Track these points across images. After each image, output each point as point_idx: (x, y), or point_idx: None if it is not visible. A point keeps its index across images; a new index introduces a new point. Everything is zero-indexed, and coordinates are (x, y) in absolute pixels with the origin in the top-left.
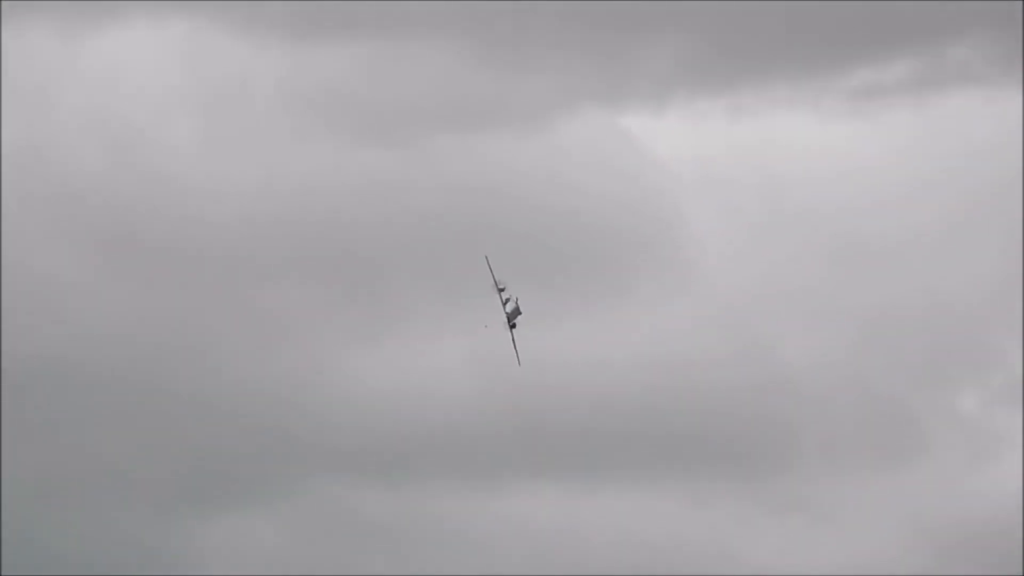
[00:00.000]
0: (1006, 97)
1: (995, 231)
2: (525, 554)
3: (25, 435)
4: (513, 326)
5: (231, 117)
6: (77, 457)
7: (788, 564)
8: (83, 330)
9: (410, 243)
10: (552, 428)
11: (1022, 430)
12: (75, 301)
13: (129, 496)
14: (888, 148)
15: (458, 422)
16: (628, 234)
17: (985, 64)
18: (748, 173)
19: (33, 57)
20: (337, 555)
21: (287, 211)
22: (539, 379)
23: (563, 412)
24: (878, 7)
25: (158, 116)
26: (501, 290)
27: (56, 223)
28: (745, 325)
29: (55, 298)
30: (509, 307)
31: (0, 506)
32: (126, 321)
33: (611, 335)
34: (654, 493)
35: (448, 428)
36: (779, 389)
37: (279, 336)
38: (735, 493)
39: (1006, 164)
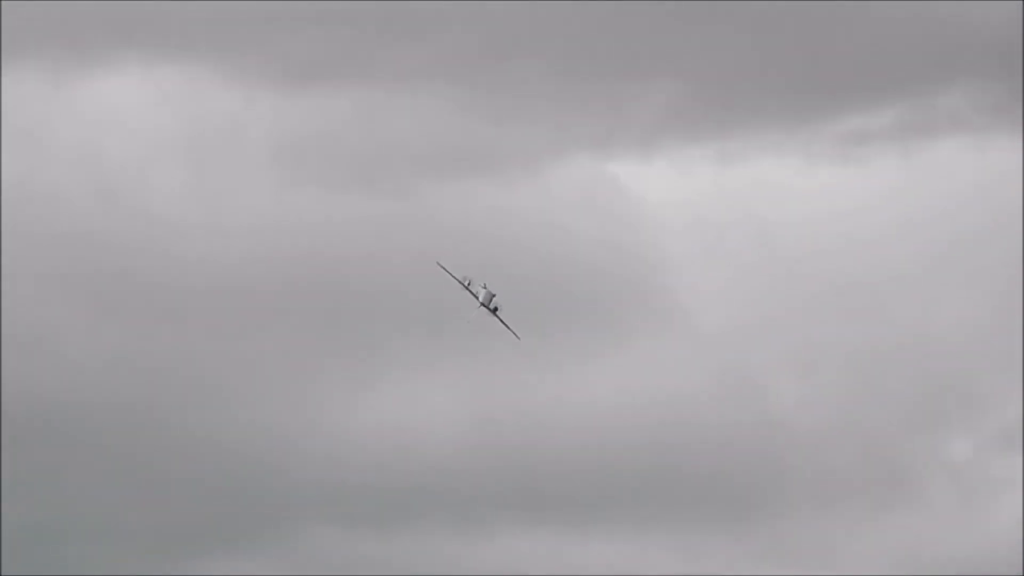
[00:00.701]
0: (996, 144)
1: (985, 273)
2: None
3: (17, 480)
4: (495, 309)
5: (221, 163)
6: (68, 503)
7: None
8: (72, 374)
9: (400, 289)
10: (544, 472)
11: (1023, 472)
12: (65, 345)
13: (120, 542)
14: (877, 191)
15: (450, 468)
16: (617, 278)
17: (975, 112)
18: (736, 217)
19: (26, 101)
20: None
21: (277, 257)
22: (529, 424)
23: (554, 456)
24: (868, 54)
25: (149, 161)
26: (467, 286)
27: (47, 267)
28: (735, 368)
29: (46, 342)
30: (482, 296)
31: None
32: (116, 365)
33: (602, 379)
34: (646, 537)
35: (440, 473)
36: (770, 432)
37: (270, 382)
38: (726, 537)
39: (996, 207)
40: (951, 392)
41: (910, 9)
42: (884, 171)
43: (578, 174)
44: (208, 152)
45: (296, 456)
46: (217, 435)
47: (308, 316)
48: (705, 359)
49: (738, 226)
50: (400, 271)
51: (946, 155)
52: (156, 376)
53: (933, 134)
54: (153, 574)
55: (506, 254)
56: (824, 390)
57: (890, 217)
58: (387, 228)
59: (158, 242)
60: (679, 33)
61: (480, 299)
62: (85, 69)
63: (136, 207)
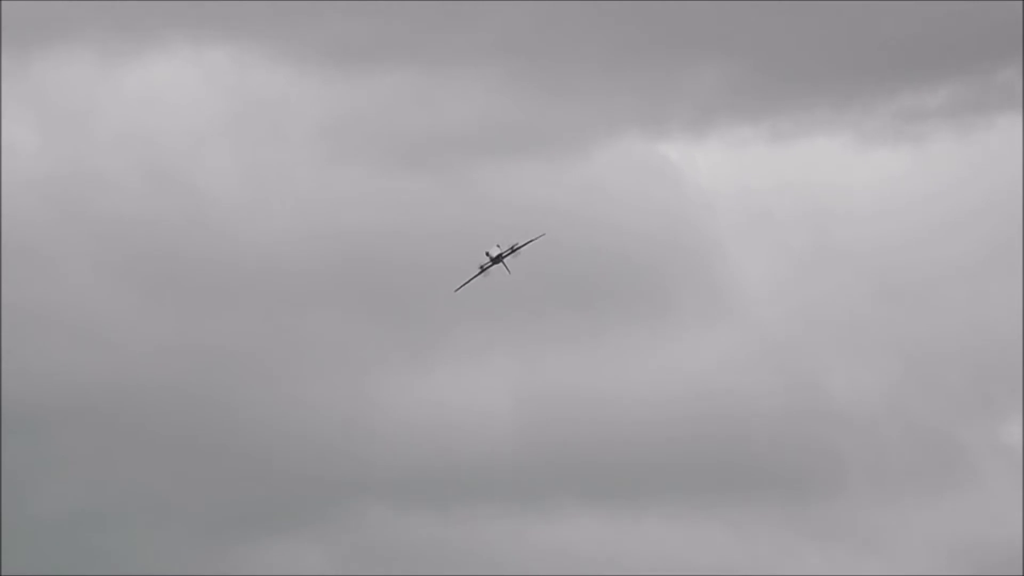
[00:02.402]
0: None
1: None
2: None
3: (66, 465)
4: (514, 248)
5: (270, 144)
6: (122, 486)
7: None
8: (124, 356)
9: (450, 268)
10: (599, 454)
11: None
12: (116, 327)
13: (176, 525)
14: (931, 177)
15: (503, 448)
16: (668, 259)
17: None
18: (789, 196)
19: (74, 83)
20: None
21: (327, 236)
22: (583, 406)
23: (610, 438)
24: (922, 29)
25: (198, 141)
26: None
27: (96, 249)
28: (787, 351)
29: (96, 324)
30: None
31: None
32: (167, 347)
33: (655, 361)
34: (699, 521)
35: (493, 454)
36: (822, 419)
37: (324, 362)
38: (779, 522)
39: None
40: (1004, 376)
41: None
42: (939, 149)
43: (628, 153)
44: (257, 132)
45: (351, 437)
46: (271, 416)
47: (360, 296)
48: (758, 342)
49: (791, 206)
50: (450, 251)
51: (1001, 134)
52: (208, 357)
53: (987, 112)
54: (209, 555)
55: (554, 234)
56: (878, 374)
57: (946, 200)
58: (436, 207)
59: (208, 222)
60: (730, 11)
61: (505, 255)
62: (133, 50)
63: (185, 188)
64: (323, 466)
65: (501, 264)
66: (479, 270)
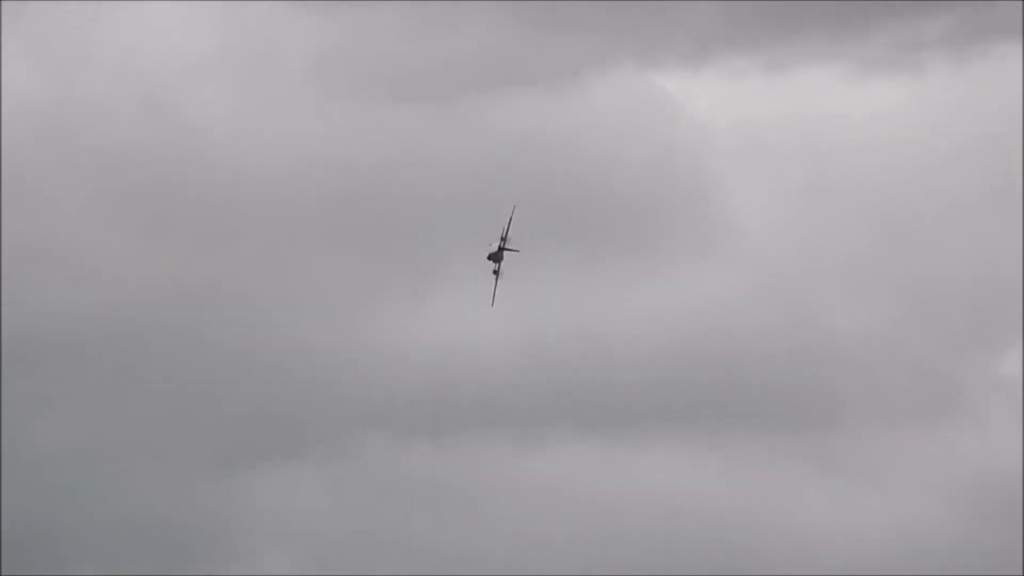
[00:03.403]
0: None
1: None
2: (565, 511)
3: (64, 399)
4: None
5: (268, 77)
6: (125, 420)
7: (829, 522)
8: (122, 289)
9: (449, 199)
10: (597, 387)
11: None
12: (112, 261)
13: (176, 457)
14: (929, 109)
15: (501, 379)
16: (666, 192)
17: None
18: (785, 128)
19: (69, 19)
20: (382, 509)
21: (322, 169)
22: (580, 337)
23: (608, 372)
24: None
25: (194, 77)
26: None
27: (88, 182)
28: (783, 284)
29: (91, 258)
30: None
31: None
32: (165, 279)
33: (651, 294)
34: (696, 452)
35: (490, 385)
36: (820, 349)
37: (320, 293)
38: (777, 454)
39: None
40: (1003, 310)
41: None
42: (937, 80)
43: (625, 85)
44: (251, 64)
45: (350, 368)
46: (269, 348)
47: (357, 228)
48: (754, 273)
49: (787, 138)
50: (447, 183)
51: (997, 64)
52: (206, 290)
53: (984, 42)
54: (210, 486)
55: (551, 166)
56: (874, 306)
57: (943, 133)
58: (432, 140)
59: (203, 155)
60: None
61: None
62: None
63: (179, 120)
64: (322, 397)
65: (506, 252)
66: (494, 275)
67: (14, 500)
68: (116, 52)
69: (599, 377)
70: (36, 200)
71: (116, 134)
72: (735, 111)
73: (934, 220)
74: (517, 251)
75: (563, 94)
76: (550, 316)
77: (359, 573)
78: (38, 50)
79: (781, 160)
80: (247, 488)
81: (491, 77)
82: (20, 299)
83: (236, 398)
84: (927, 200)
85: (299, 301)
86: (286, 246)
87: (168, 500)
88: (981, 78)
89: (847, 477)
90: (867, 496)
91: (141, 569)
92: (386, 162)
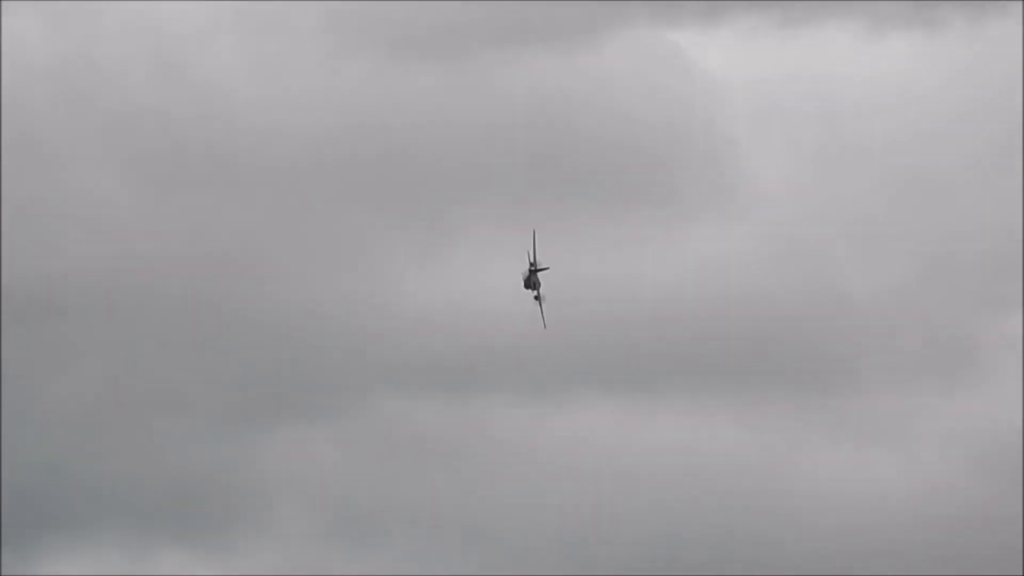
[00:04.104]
0: None
1: None
2: (580, 468)
3: (77, 359)
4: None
5: (281, 36)
6: (135, 379)
7: (845, 482)
8: (136, 248)
9: (463, 157)
10: (615, 346)
11: None
12: (131, 220)
13: (189, 416)
14: (945, 66)
15: (517, 338)
16: (679, 150)
17: None
18: (801, 86)
19: None
20: (396, 469)
21: (338, 128)
22: (596, 297)
23: (626, 332)
24: None
25: (204, 33)
26: (533, 268)
27: (100, 142)
28: (798, 242)
29: (104, 217)
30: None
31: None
32: (178, 239)
33: (667, 256)
34: (713, 413)
35: (507, 344)
36: (836, 309)
37: (335, 252)
38: (791, 414)
39: None
40: (1017, 270)
41: None
42: (954, 37)
43: (639, 42)
44: (263, 23)
45: (366, 327)
46: (283, 308)
47: (371, 186)
48: (769, 232)
49: (802, 96)
50: (462, 141)
51: (1017, 21)
52: (219, 249)
53: None
54: (224, 446)
55: (565, 124)
56: (889, 265)
57: (959, 91)
58: (446, 98)
59: (215, 114)
60: None
61: (532, 285)
62: None
63: (191, 79)
64: (337, 356)
65: (538, 274)
66: (536, 300)
67: (24, 458)
68: (128, 11)
69: (618, 337)
70: (50, 160)
71: (128, 94)
72: (750, 69)
73: (951, 179)
74: (548, 268)
75: (577, 52)
76: (565, 276)
77: (373, 532)
78: (49, 10)
79: (796, 119)
80: (261, 446)
81: (505, 35)
82: (34, 258)
83: (250, 357)
84: (944, 159)
85: (314, 260)
86: (300, 204)
87: (180, 459)
88: (999, 35)
89: (863, 437)
90: (883, 456)
91: (152, 526)
92: (400, 120)
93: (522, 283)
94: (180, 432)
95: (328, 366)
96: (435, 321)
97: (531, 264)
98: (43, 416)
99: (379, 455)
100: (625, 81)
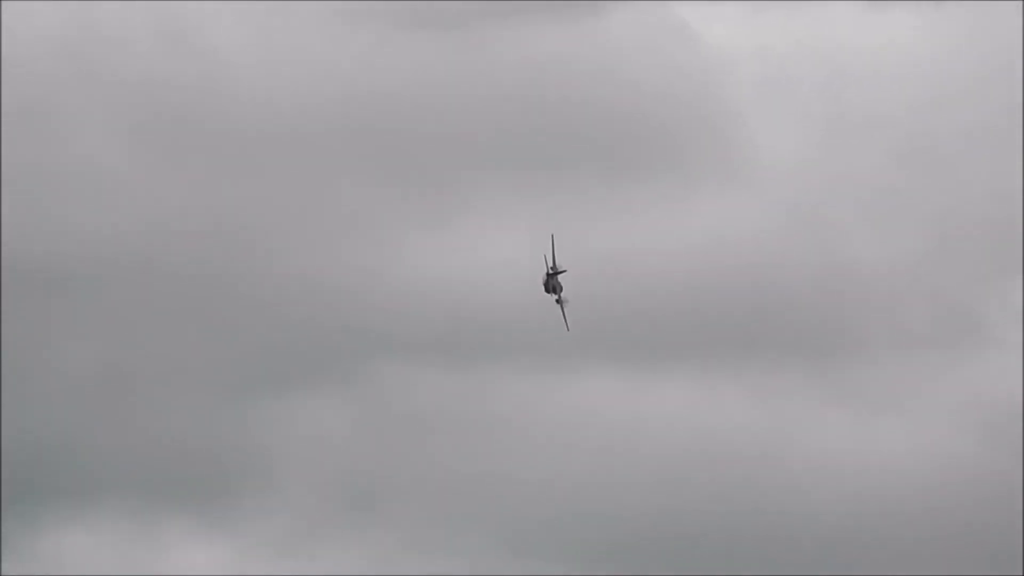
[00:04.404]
0: None
1: None
2: (585, 440)
3: (83, 328)
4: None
5: (285, 4)
6: (141, 347)
7: (852, 449)
8: (148, 219)
9: (466, 127)
10: (621, 317)
11: None
12: (133, 190)
13: (193, 384)
14: (950, 39)
15: (524, 307)
16: (686, 121)
17: None
18: (806, 57)
19: None
20: (402, 439)
21: (342, 97)
22: (606, 267)
23: (632, 302)
24: None
25: (211, 5)
26: (552, 272)
27: (107, 111)
28: (804, 213)
29: (111, 187)
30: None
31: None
32: (183, 209)
33: (674, 227)
34: (720, 382)
35: (513, 313)
36: (843, 279)
37: (341, 220)
38: (799, 384)
39: None
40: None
41: None
42: (957, 6)
43: (643, 13)
44: None
45: (370, 296)
46: (289, 276)
47: (377, 156)
48: (776, 203)
49: (807, 67)
50: (465, 110)
51: None
52: (224, 219)
53: None
54: (227, 415)
55: (569, 93)
56: (896, 236)
57: (964, 62)
58: (450, 66)
59: (219, 83)
60: None
61: (552, 289)
62: None
63: (195, 49)
64: (342, 325)
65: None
66: (558, 304)
67: (30, 428)
68: None
69: (624, 307)
70: (50, 129)
71: (131, 63)
72: (755, 39)
73: (956, 149)
74: (565, 271)
75: (583, 22)
76: (573, 245)
77: (378, 502)
78: None
79: (802, 89)
80: (266, 416)
81: (511, 4)
82: (37, 228)
83: (255, 326)
84: (949, 129)
85: (319, 229)
86: (304, 174)
87: (185, 428)
88: (1002, 4)
89: (869, 405)
90: (889, 423)
91: (158, 493)
92: (406, 90)
93: (542, 288)
94: (184, 401)
95: (333, 336)
96: (440, 291)
97: (549, 268)
98: (46, 385)
99: (384, 425)
100: (631, 52)
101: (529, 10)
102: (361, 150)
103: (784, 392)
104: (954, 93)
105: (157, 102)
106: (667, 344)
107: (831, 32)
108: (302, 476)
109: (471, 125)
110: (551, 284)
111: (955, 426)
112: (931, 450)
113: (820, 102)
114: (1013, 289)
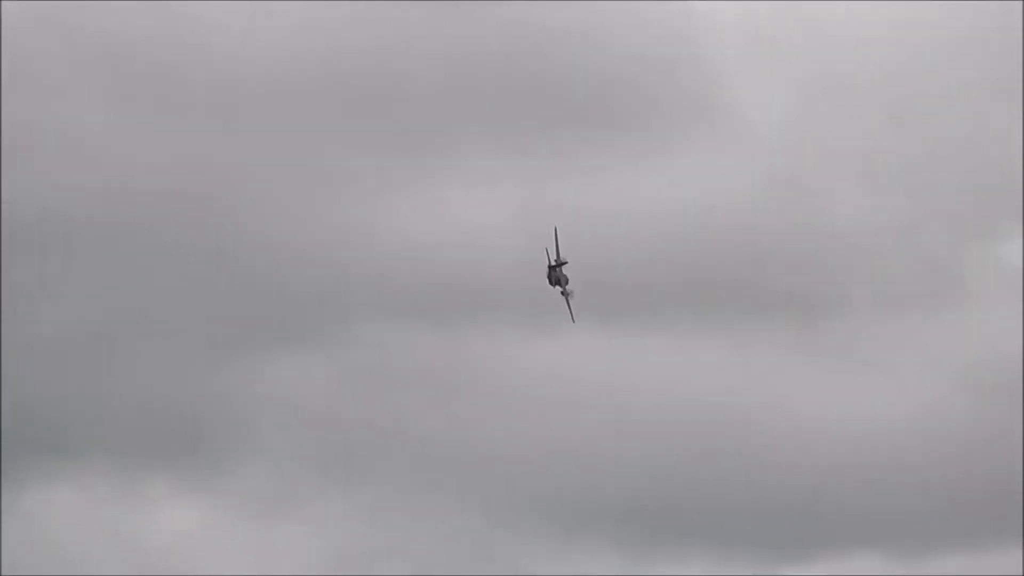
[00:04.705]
0: None
1: None
2: (568, 400)
3: (69, 285)
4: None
5: None
6: (127, 305)
7: (837, 407)
8: (131, 178)
9: (455, 90)
10: (604, 276)
11: None
12: (120, 150)
13: (179, 342)
14: (936, 2)
15: (508, 267)
16: (671, 82)
17: None
18: (792, 19)
19: None
20: (384, 397)
21: (331, 59)
22: (590, 227)
23: (615, 261)
24: None
25: None
26: (554, 264)
27: (92, 71)
28: (789, 174)
29: (99, 147)
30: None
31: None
32: (170, 168)
33: (658, 187)
34: (703, 340)
35: (497, 273)
36: (826, 237)
37: (327, 180)
38: (782, 342)
39: None
40: (1006, 199)
41: None
42: None
43: None
44: None
45: (356, 255)
46: (275, 235)
47: (364, 116)
48: (760, 166)
49: (794, 28)
50: (453, 74)
51: None
52: (211, 178)
53: None
54: (213, 372)
55: (556, 58)
56: (881, 196)
57: (954, 23)
58: (439, 31)
59: (206, 43)
60: None
61: (556, 281)
62: None
63: (181, 9)
64: (327, 284)
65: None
66: (563, 296)
67: (14, 386)
68: None
69: (607, 266)
70: (38, 90)
71: (116, 23)
72: (740, 3)
73: (942, 110)
74: (567, 262)
75: None
76: (558, 204)
77: (360, 458)
78: None
79: (788, 51)
80: (250, 374)
81: None
82: (24, 187)
83: (239, 286)
84: (935, 90)
85: (307, 188)
86: (286, 134)
87: (171, 386)
88: None
89: (855, 364)
90: (874, 381)
91: (144, 451)
92: (392, 50)
93: (546, 279)
94: (168, 359)
95: (317, 294)
96: (422, 252)
97: (552, 260)
98: (31, 344)
99: (367, 383)
100: (616, 13)
101: None
102: (342, 112)
103: (769, 351)
104: (941, 55)
105: (141, 63)
106: (653, 305)
107: None
108: (284, 435)
109: (454, 87)
110: (555, 276)
111: (939, 383)
112: (916, 407)
113: (805, 65)
114: (996, 245)
